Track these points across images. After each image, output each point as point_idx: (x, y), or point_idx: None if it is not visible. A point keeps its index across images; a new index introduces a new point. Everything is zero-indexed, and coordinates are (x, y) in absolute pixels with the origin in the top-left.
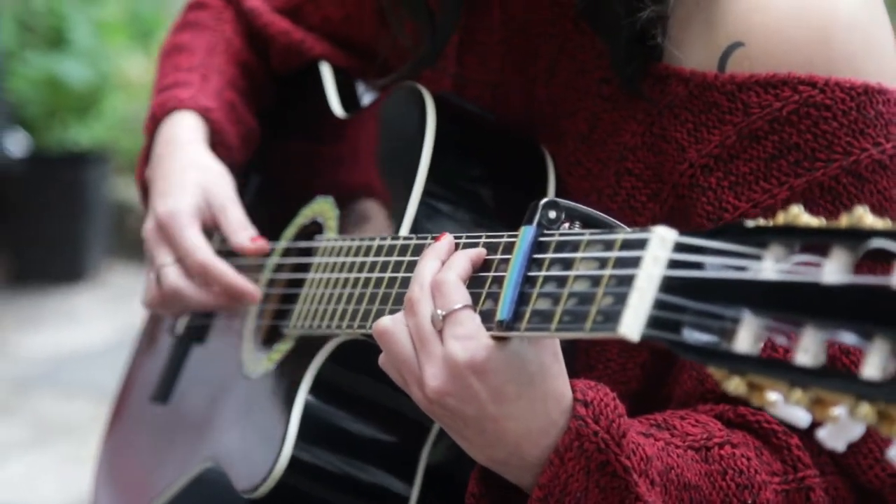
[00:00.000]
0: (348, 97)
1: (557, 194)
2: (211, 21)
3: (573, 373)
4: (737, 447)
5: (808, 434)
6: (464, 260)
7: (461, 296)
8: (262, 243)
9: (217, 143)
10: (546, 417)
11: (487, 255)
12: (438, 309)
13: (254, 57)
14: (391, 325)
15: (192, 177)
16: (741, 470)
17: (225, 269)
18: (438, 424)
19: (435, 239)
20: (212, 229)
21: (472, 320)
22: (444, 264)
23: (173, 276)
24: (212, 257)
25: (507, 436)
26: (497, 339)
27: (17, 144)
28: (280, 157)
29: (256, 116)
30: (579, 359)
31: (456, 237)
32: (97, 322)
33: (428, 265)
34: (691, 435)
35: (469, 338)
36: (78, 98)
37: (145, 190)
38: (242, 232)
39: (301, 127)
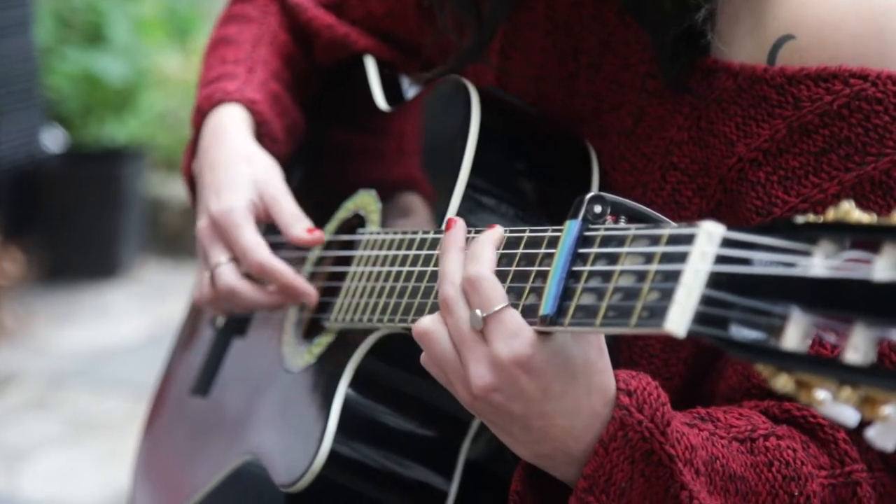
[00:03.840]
0: (392, 90)
1: (601, 189)
2: (257, 14)
3: (616, 368)
4: (782, 439)
5: (856, 430)
6: (489, 251)
7: (499, 295)
8: (319, 234)
9: (263, 135)
10: (590, 411)
11: (532, 248)
12: (477, 309)
13: (298, 50)
14: (431, 325)
15: (242, 171)
16: (787, 461)
17: (284, 269)
18: (481, 421)
19: (479, 232)
20: (264, 222)
21: (514, 318)
22: (470, 257)
23: (229, 275)
24: (270, 256)
25: (552, 431)
26: (541, 333)
27: (54, 140)
28: (323, 150)
29: (301, 109)
30: (622, 354)
31: None
32: (131, 318)
33: (452, 259)
34: (735, 427)
35: (514, 336)
36: (115, 94)
37: (191, 183)
38: (298, 224)
39: (345, 119)
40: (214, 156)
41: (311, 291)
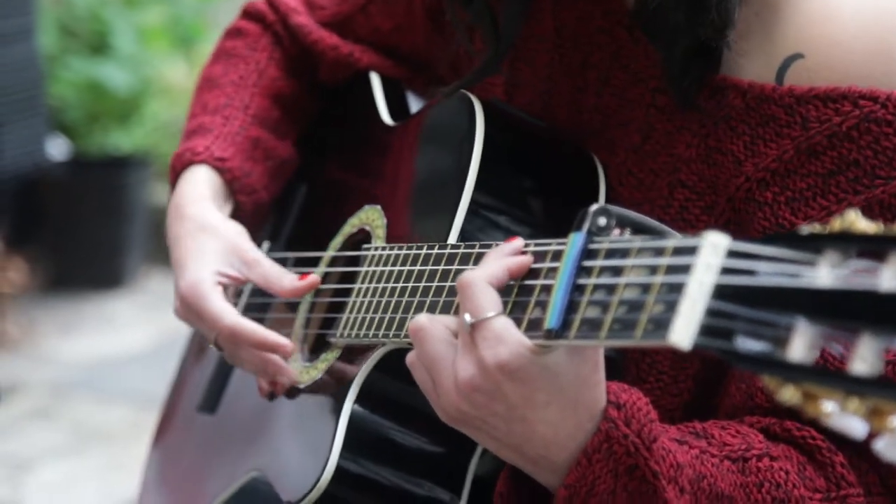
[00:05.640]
0: (398, 106)
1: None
2: (245, 50)
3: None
4: (776, 460)
5: (855, 453)
6: (493, 260)
7: (489, 302)
8: (313, 277)
9: (236, 191)
10: (575, 423)
11: (537, 262)
12: (467, 314)
13: (290, 83)
14: (427, 322)
15: (205, 244)
16: (778, 483)
17: (253, 328)
18: (466, 430)
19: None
20: (242, 286)
21: (502, 326)
22: (479, 263)
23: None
24: (238, 319)
25: (534, 437)
26: (540, 347)
27: (59, 149)
28: (330, 166)
29: (295, 141)
30: (630, 371)
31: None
32: (135, 328)
33: (487, 259)
34: (729, 445)
35: (500, 343)
36: (119, 103)
37: None
38: (286, 276)
39: (351, 135)
40: (177, 231)
41: (285, 343)
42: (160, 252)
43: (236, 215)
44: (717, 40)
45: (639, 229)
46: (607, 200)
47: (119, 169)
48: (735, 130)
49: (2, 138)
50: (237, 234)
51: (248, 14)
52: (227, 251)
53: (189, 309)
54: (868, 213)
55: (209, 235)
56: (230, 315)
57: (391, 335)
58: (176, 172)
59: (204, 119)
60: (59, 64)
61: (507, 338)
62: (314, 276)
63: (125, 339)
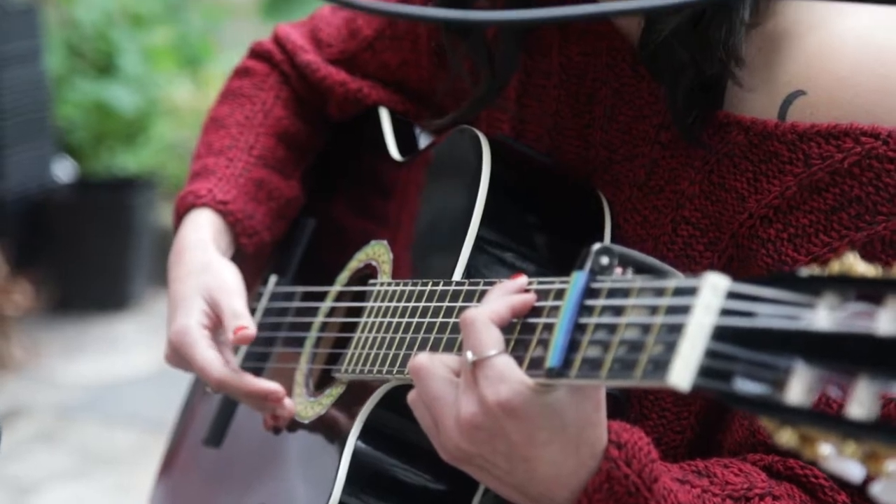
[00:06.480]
0: (407, 141)
1: (613, 241)
2: (251, 90)
3: (626, 421)
4: (778, 499)
5: (858, 492)
6: (496, 297)
7: (491, 340)
8: (245, 332)
9: (238, 234)
10: (577, 461)
11: (539, 300)
12: (469, 351)
13: (296, 122)
14: (427, 361)
15: (192, 284)
16: None
17: (241, 380)
18: (468, 469)
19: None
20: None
21: (503, 365)
22: (483, 300)
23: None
24: (225, 372)
25: (537, 476)
26: (541, 385)
27: (65, 170)
28: (338, 201)
29: (301, 179)
30: (633, 409)
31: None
32: (141, 350)
33: (489, 297)
34: (731, 484)
35: (501, 381)
36: (126, 124)
37: None
38: (232, 322)
39: (359, 170)
40: (174, 275)
41: (275, 388)
42: (166, 274)
43: (238, 258)
44: (723, 77)
45: (641, 268)
46: (612, 237)
47: (125, 190)
48: (738, 167)
49: (8, 160)
50: (225, 271)
51: (256, 53)
52: (208, 287)
53: (179, 357)
54: (870, 249)
55: (201, 276)
56: (216, 370)
57: (395, 371)
58: (179, 215)
59: (208, 161)
60: (66, 85)
61: (508, 376)
62: (246, 332)
63: (130, 361)
